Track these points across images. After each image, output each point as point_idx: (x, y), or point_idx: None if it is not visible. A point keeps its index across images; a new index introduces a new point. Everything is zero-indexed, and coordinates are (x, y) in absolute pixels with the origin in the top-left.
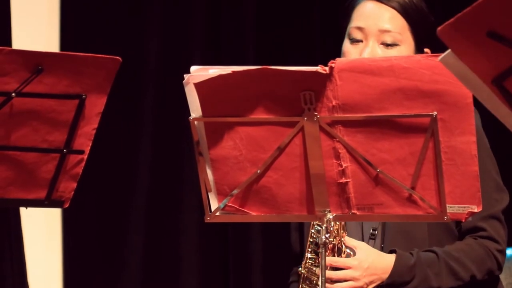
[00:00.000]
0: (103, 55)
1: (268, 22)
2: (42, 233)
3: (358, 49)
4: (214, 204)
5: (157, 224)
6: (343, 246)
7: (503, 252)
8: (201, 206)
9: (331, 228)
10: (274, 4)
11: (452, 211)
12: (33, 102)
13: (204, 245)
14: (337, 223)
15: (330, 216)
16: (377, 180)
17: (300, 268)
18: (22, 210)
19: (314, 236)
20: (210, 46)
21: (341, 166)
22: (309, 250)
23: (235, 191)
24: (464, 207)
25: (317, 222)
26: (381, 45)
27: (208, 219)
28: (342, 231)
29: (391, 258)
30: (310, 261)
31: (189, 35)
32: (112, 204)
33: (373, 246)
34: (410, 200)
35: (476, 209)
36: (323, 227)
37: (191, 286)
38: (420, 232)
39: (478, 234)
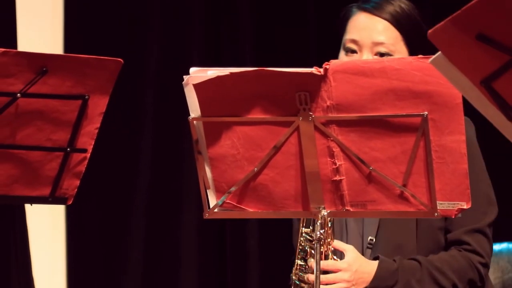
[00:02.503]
0: (105, 57)
1: (265, 25)
2: (46, 229)
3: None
4: (212, 201)
5: (158, 221)
6: (330, 254)
7: (486, 265)
8: (200, 203)
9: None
10: (270, 7)
11: (442, 208)
12: (38, 102)
13: (202, 241)
14: (324, 230)
15: (324, 212)
16: (370, 178)
17: (291, 275)
18: (27, 207)
19: (303, 244)
20: (209, 48)
21: (335, 164)
22: (299, 257)
23: (232, 189)
24: (454, 203)
25: (305, 231)
26: (375, 56)
27: (206, 216)
28: (329, 239)
29: (375, 263)
30: (301, 268)
31: (188, 38)
32: (114, 201)
33: (370, 255)
34: (402, 197)
35: (465, 205)
36: (318, 223)
37: (190, 280)
38: (410, 245)
39: (463, 247)
